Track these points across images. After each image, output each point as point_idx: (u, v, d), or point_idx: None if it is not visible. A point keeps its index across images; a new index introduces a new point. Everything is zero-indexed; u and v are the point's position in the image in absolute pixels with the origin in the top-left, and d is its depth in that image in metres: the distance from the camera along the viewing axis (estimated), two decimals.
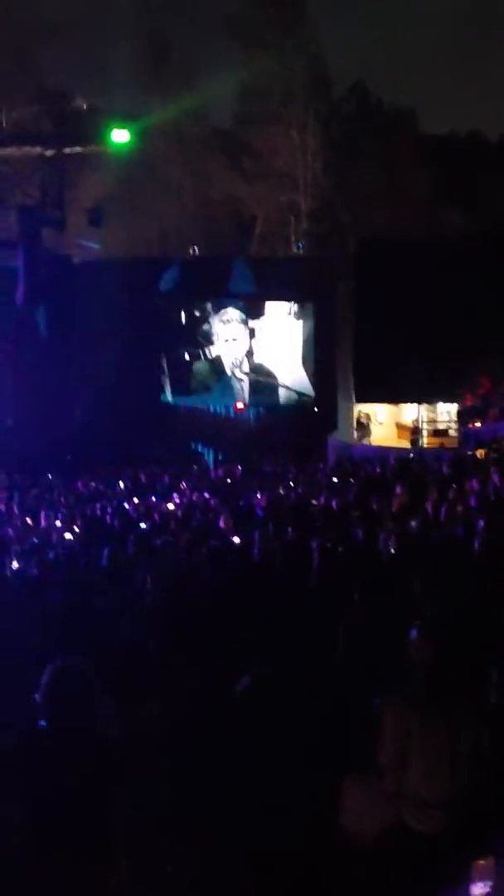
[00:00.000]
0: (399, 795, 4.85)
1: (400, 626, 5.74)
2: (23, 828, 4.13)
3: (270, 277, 30.29)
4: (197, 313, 30.53)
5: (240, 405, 30.45)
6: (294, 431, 29.73)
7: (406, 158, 38.08)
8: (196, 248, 32.28)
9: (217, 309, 30.39)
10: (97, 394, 29.13)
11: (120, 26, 38.06)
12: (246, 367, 30.36)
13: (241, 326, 30.25)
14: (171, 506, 16.74)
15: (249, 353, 30.36)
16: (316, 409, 30.21)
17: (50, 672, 4.49)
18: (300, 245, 37.10)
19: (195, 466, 25.99)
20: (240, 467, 24.26)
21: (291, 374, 30.31)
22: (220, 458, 29.73)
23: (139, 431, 28.29)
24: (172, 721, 5.25)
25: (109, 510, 15.83)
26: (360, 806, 4.93)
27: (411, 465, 19.87)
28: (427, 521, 11.34)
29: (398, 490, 14.60)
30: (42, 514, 15.85)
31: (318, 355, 30.14)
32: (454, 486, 14.85)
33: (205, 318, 30.46)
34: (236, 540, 11.61)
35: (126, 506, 16.85)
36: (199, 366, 30.54)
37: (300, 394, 30.39)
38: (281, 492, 17.94)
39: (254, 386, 30.40)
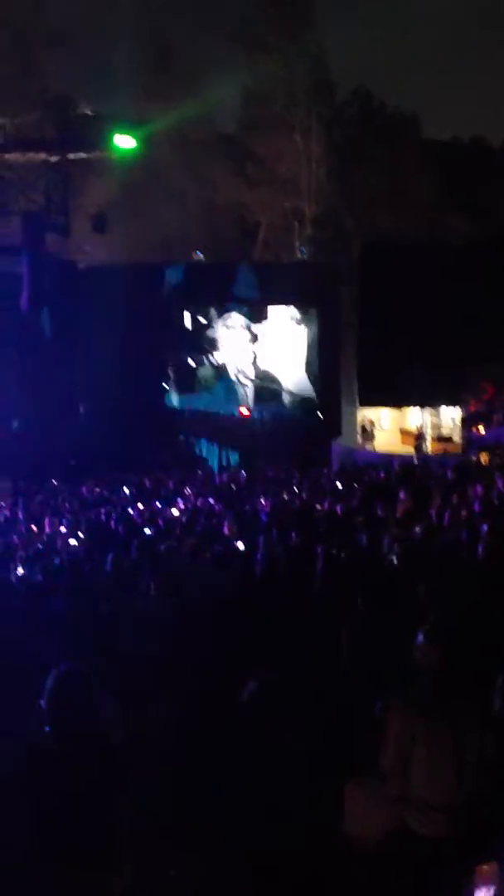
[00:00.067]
0: (403, 799, 4.86)
1: (404, 631, 5.75)
2: (27, 833, 4.14)
3: (274, 283, 30.33)
4: (201, 319, 30.57)
5: (244, 410, 30.47)
6: (298, 437, 29.76)
7: (409, 164, 38.12)
8: (200, 253, 32.31)
9: (221, 314, 30.42)
10: (101, 399, 29.19)
11: (124, 32, 38.05)
12: (250, 373, 30.39)
13: (245, 332, 30.29)
14: (175, 511, 16.75)
15: (253, 359, 30.39)
16: (320, 415, 30.22)
17: (54, 677, 4.51)
18: (304, 250, 37.14)
19: (199, 472, 26.00)
20: (244, 472, 24.28)
21: (295, 380, 30.35)
22: (224, 463, 29.77)
23: (144, 437, 28.30)
24: (176, 726, 5.26)
25: (114, 516, 15.84)
26: (363, 810, 4.94)
27: (415, 471, 19.88)
28: (431, 527, 11.34)
29: (402, 496, 14.61)
30: (46, 520, 15.86)
31: (322, 360, 30.16)
32: (458, 491, 14.85)
33: (209, 324, 30.50)
34: (240, 545, 11.63)
35: (130, 511, 16.87)
36: (204, 371, 30.58)
37: (304, 399, 30.40)
38: (285, 497, 17.94)
39: (258, 391, 30.44)
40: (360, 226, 37.50)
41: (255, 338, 30.31)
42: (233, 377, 30.41)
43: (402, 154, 38.32)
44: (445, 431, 30.45)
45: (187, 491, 20.59)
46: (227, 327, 30.35)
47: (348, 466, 23.66)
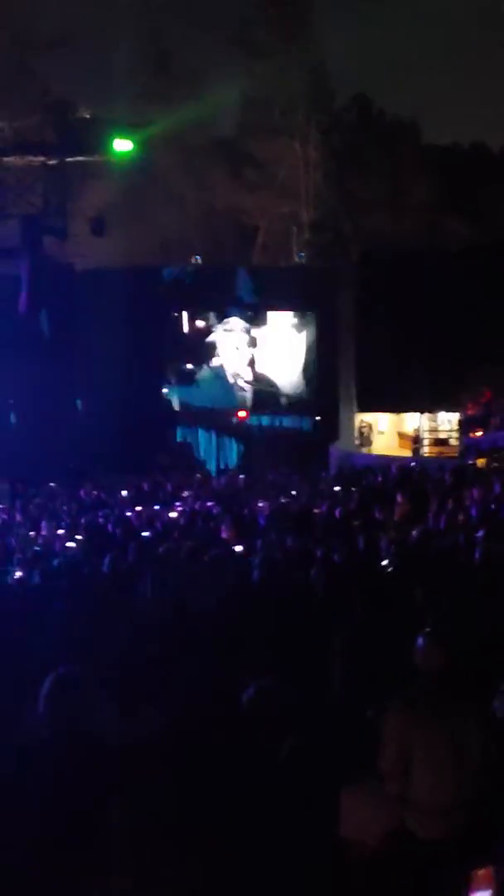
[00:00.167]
0: (401, 800, 4.86)
1: (401, 634, 5.76)
2: (23, 835, 4.14)
3: (273, 287, 30.35)
4: (199, 322, 30.59)
5: (242, 414, 30.49)
6: (296, 440, 29.80)
7: (408, 169, 38.16)
8: (199, 257, 32.33)
9: (220, 318, 30.44)
10: (100, 402, 29.18)
11: (123, 36, 38.11)
12: (249, 377, 30.40)
13: (244, 336, 30.30)
14: (173, 514, 16.76)
15: (252, 363, 30.41)
16: (318, 419, 30.23)
17: (50, 681, 4.50)
18: (302, 255, 37.16)
19: (198, 475, 26.01)
20: (242, 476, 24.29)
21: (293, 384, 30.35)
22: (222, 466, 29.80)
23: (142, 439, 28.32)
24: (173, 729, 5.25)
25: (112, 519, 15.84)
26: (360, 813, 4.93)
27: (413, 475, 19.89)
28: (428, 531, 11.36)
29: (399, 499, 14.63)
30: (44, 523, 15.86)
31: (321, 365, 30.17)
32: (455, 495, 14.88)
33: (208, 328, 30.52)
34: (238, 548, 11.63)
35: (128, 514, 16.87)
36: (203, 374, 30.59)
37: (302, 403, 30.41)
38: (283, 500, 17.95)
39: (256, 395, 30.44)
40: (358, 231, 37.54)
41: (253, 342, 30.32)
42: (231, 381, 30.41)
43: (401, 159, 38.36)
44: (443, 435, 30.46)
45: (185, 494, 20.61)
46: (226, 331, 30.36)
47: (346, 470, 23.67)
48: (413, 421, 31.32)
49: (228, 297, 30.40)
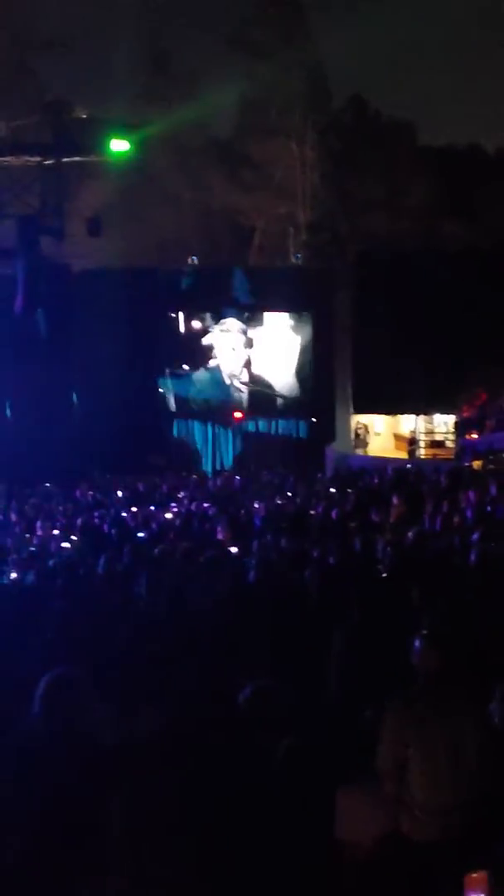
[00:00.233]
0: (398, 802, 4.86)
1: (397, 635, 5.76)
2: (19, 837, 4.13)
3: (269, 288, 30.37)
4: (196, 323, 30.58)
5: (238, 415, 30.50)
6: (292, 441, 29.84)
7: (405, 170, 38.14)
8: (195, 258, 32.31)
9: (216, 319, 30.43)
10: (96, 403, 29.17)
11: (120, 36, 38.08)
12: (245, 377, 30.40)
13: (241, 336, 30.30)
14: (168, 515, 16.75)
15: (248, 364, 30.41)
16: (314, 420, 30.24)
17: (46, 682, 4.50)
18: (299, 256, 37.16)
19: (194, 476, 26.01)
20: (238, 477, 24.29)
21: (290, 385, 30.35)
22: (218, 467, 29.81)
23: (138, 440, 28.33)
24: (170, 729, 5.25)
25: (107, 520, 15.83)
26: (356, 815, 4.94)
27: (409, 477, 19.90)
28: (424, 533, 11.36)
29: (395, 501, 14.64)
30: (38, 523, 15.85)
31: (317, 366, 30.18)
32: (451, 497, 14.89)
33: (204, 329, 30.51)
34: (234, 550, 11.63)
35: (124, 515, 16.86)
36: (199, 375, 30.58)
37: (298, 404, 30.41)
38: (279, 501, 17.96)
39: (252, 396, 30.44)
40: (355, 231, 37.51)
41: (250, 343, 30.32)
42: (227, 381, 30.41)
43: (398, 160, 38.33)
44: (439, 437, 30.49)
45: (181, 494, 20.60)
46: (223, 332, 30.35)
47: (342, 471, 23.68)
48: (409, 423, 31.36)
49: (225, 297, 30.41)
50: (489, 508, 13.67)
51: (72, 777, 4.21)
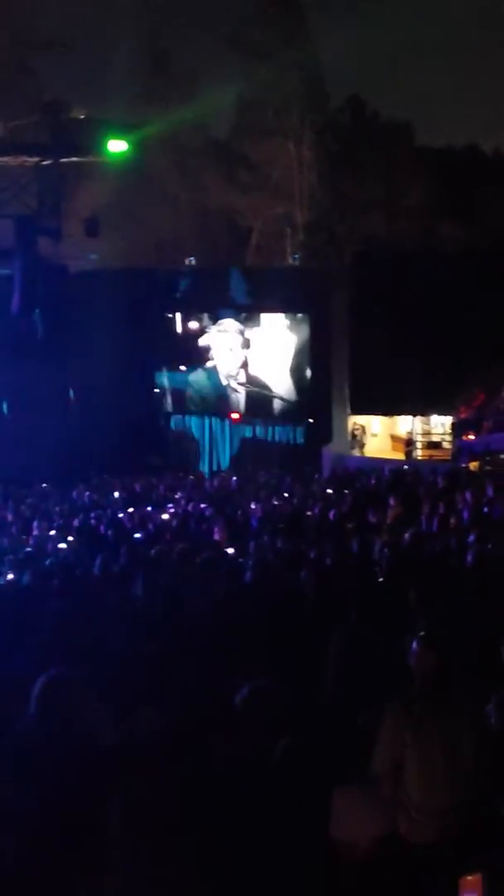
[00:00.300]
0: (394, 803, 4.86)
1: (395, 636, 5.76)
2: (17, 838, 4.13)
3: (266, 288, 30.37)
4: (193, 324, 30.57)
5: (235, 415, 30.50)
6: (289, 442, 29.86)
7: (403, 171, 38.18)
8: (193, 259, 32.32)
9: (213, 320, 30.42)
10: (93, 403, 29.18)
11: (119, 37, 38.08)
12: (242, 378, 30.39)
13: (238, 337, 30.28)
14: (165, 516, 16.74)
15: (245, 364, 30.39)
16: (311, 421, 30.24)
17: (42, 682, 4.50)
18: (296, 256, 37.17)
19: (191, 476, 26.01)
20: (235, 478, 24.29)
21: (287, 385, 30.35)
22: (215, 468, 29.81)
23: (135, 441, 28.33)
24: (166, 730, 5.25)
25: (104, 520, 15.81)
26: (352, 816, 4.93)
27: (406, 478, 19.91)
28: (420, 534, 11.36)
29: (392, 502, 14.64)
30: (35, 524, 15.82)
31: (314, 367, 30.17)
32: (448, 498, 14.90)
33: (202, 329, 30.50)
34: (230, 550, 11.63)
35: (121, 515, 16.85)
36: (196, 376, 30.57)
37: (295, 405, 30.41)
38: (276, 502, 17.95)
39: (249, 396, 30.44)
40: (352, 232, 37.54)
41: (247, 343, 30.30)
42: (224, 382, 30.41)
43: (396, 161, 38.38)
44: (436, 438, 30.52)
45: (178, 495, 20.59)
46: (220, 332, 30.34)
47: (339, 472, 23.67)
48: (406, 423, 31.38)
49: (222, 298, 30.40)
50: (486, 509, 13.68)
51: (69, 778, 4.20)
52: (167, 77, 40.22)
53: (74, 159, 27.71)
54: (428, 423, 31.08)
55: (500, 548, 9.76)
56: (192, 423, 30.89)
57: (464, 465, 22.48)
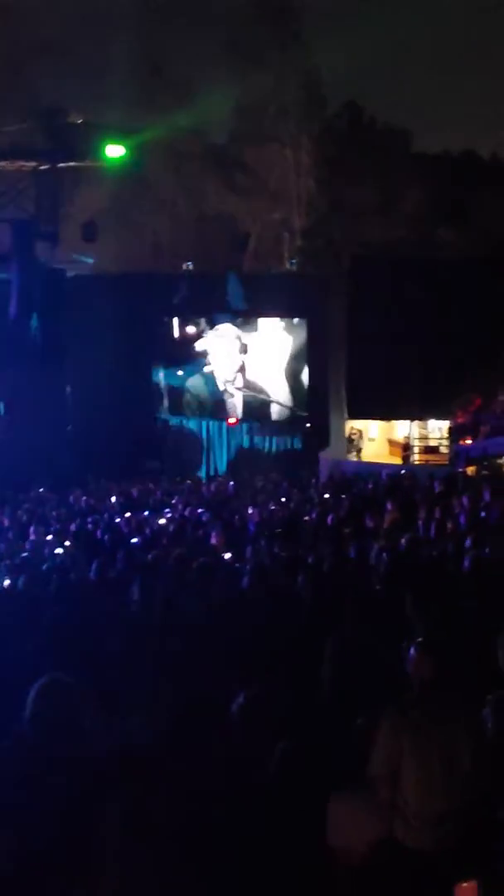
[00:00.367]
0: (391, 808, 4.85)
1: (391, 641, 5.75)
2: (12, 843, 4.12)
3: (264, 294, 30.32)
4: (190, 328, 30.55)
5: (232, 420, 30.50)
6: (286, 447, 29.85)
7: (400, 176, 38.22)
8: (190, 264, 32.30)
9: (211, 324, 30.40)
10: (90, 408, 29.15)
11: (116, 42, 38.08)
12: (239, 383, 30.37)
13: (235, 342, 30.26)
14: (162, 521, 16.73)
15: (242, 369, 30.38)
16: (308, 425, 30.24)
17: (36, 688, 4.49)
18: (293, 262, 37.18)
19: (188, 481, 25.99)
20: (232, 483, 24.27)
21: (284, 390, 30.33)
22: (212, 473, 29.80)
23: (132, 445, 28.32)
24: (162, 736, 5.24)
25: (101, 525, 15.80)
26: (348, 821, 4.92)
27: (403, 483, 19.90)
28: (417, 539, 11.36)
29: (389, 507, 14.64)
30: (31, 528, 15.79)
31: (311, 372, 30.14)
32: (445, 503, 14.89)
33: (199, 334, 30.48)
34: (228, 556, 11.62)
35: (117, 520, 16.83)
36: (193, 380, 30.56)
37: (292, 410, 30.40)
38: (273, 507, 17.94)
39: (246, 401, 30.42)
40: (349, 237, 37.55)
41: (244, 348, 30.28)
42: (221, 387, 30.39)
43: (392, 166, 38.43)
44: (433, 443, 30.50)
45: (175, 500, 20.57)
46: (218, 337, 30.32)
47: (336, 477, 23.67)
48: (403, 428, 31.36)
49: (219, 303, 30.37)
50: (483, 514, 13.68)
51: (64, 783, 4.19)
52: (165, 82, 40.21)
53: (72, 164, 27.76)
54: (425, 428, 31.05)
55: (497, 552, 9.76)
56: (191, 424, 30.88)
57: (461, 470, 22.46)
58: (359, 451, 31.11)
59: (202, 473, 29.66)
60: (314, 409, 30.17)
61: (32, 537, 14.92)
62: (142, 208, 38.21)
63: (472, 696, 5.32)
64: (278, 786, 4.51)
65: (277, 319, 30.21)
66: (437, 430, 30.55)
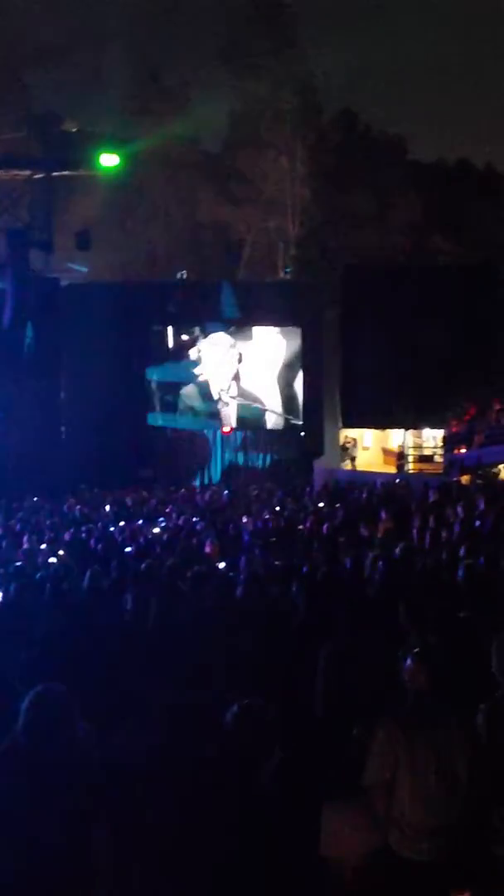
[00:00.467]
0: (385, 819, 4.84)
1: (385, 651, 5.73)
2: (4, 854, 4.10)
3: (258, 302, 30.34)
4: (185, 337, 30.55)
5: (226, 429, 30.50)
6: (280, 456, 29.85)
7: (394, 185, 38.34)
8: (185, 273, 32.34)
9: (205, 333, 30.41)
10: (84, 416, 29.14)
11: (111, 50, 38.20)
12: (233, 391, 30.36)
13: (230, 350, 30.26)
14: (156, 529, 16.70)
15: (237, 377, 30.37)
16: (303, 434, 30.24)
17: (30, 698, 4.47)
18: (288, 270, 37.23)
19: (182, 490, 25.98)
20: (226, 491, 24.27)
21: (278, 399, 30.34)
22: (206, 481, 29.78)
23: (126, 454, 28.31)
24: (155, 747, 5.22)
25: (95, 534, 15.77)
26: (342, 832, 4.91)
27: (397, 491, 19.90)
28: (412, 548, 11.33)
29: (383, 516, 14.63)
30: (25, 537, 15.76)
31: (305, 380, 30.17)
32: (439, 512, 14.88)
33: (193, 342, 30.48)
34: (222, 565, 11.59)
35: (111, 529, 16.80)
36: (188, 389, 30.55)
37: (287, 418, 30.40)
38: (267, 516, 17.92)
39: (241, 410, 30.42)
40: (344, 246, 37.63)
41: (239, 357, 30.28)
42: (216, 395, 30.39)
43: (388, 176, 38.55)
44: (427, 452, 30.51)
45: (169, 509, 20.56)
46: (212, 345, 30.32)
47: (330, 486, 23.67)
48: (397, 437, 31.38)
49: (214, 311, 30.38)
50: (477, 523, 13.67)
51: (57, 793, 4.17)
52: (159, 91, 40.33)
53: (66, 173, 27.82)
54: (419, 437, 31.07)
55: (491, 562, 9.74)
56: (191, 425, 30.89)
57: (455, 479, 22.47)
58: (353, 459, 31.12)
59: (196, 482, 29.65)
60: (308, 417, 30.17)
61: (26, 546, 14.90)
62: (136, 217, 38.28)
63: (466, 704, 5.30)
64: (272, 796, 4.49)
65: (272, 329, 30.20)
66: (432, 438, 30.57)
